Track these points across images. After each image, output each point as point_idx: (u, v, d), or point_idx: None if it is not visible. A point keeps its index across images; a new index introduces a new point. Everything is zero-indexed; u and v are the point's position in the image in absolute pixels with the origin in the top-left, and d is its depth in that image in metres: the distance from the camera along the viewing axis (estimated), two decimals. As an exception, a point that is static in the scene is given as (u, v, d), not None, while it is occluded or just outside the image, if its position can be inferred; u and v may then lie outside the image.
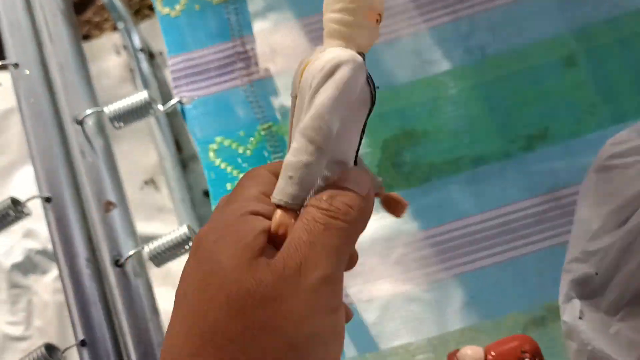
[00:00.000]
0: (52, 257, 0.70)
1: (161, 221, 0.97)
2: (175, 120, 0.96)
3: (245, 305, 0.23)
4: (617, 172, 0.42)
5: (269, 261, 0.24)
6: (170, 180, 0.94)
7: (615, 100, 0.46)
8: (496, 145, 0.46)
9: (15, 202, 0.46)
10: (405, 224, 0.45)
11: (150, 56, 1.01)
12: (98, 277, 0.46)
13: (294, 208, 0.26)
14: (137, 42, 0.98)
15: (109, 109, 0.46)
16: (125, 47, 1.02)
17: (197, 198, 0.93)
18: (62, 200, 0.47)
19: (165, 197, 0.98)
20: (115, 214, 0.46)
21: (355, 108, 0.27)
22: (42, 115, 0.48)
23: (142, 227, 0.85)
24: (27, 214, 0.47)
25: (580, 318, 0.39)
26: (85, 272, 0.46)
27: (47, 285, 0.96)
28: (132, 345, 0.44)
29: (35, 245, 0.99)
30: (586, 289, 0.40)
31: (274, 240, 0.25)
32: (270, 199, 0.26)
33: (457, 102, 0.46)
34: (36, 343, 0.93)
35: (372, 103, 0.27)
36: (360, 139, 0.28)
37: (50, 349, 0.45)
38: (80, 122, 0.47)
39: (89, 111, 0.47)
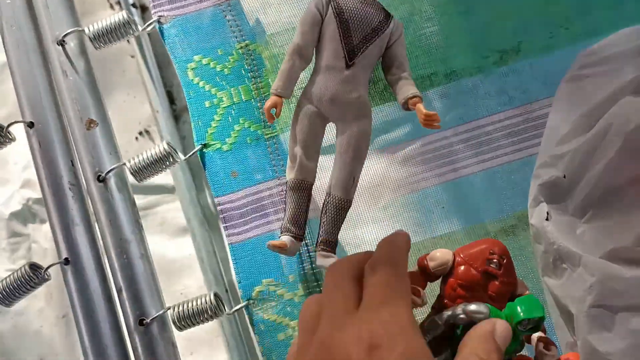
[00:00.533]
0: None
1: (156, 171, 0.98)
2: (167, 72, 0.97)
3: None
4: (588, 81, 0.42)
5: None
6: (164, 132, 0.94)
7: (589, 14, 0.46)
8: (469, 60, 0.46)
9: (-1, 127, 0.47)
10: (391, 166, 0.45)
11: (143, 10, 1.01)
12: (81, 199, 0.47)
13: (279, 95, 0.39)
14: (129, -5, 0.98)
15: (89, 28, 0.47)
16: (118, 2, 1.02)
17: (189, 148, 0.93)
18: (45, 124, 0.48)
19: (159, 148, 0.99)
20: (97, 131, 0.47)
21: (315, 23, 0.39)
22: (24, 40, 0.49)
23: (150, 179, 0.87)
24: (12, 139, 0.48)
25: (547, 219, 0.40)
26: (69, 194, 0.47)
27: (46, 233, 0.97)
28: (115, 256, 0.46)
29: (33, 194, 1.00)
30: (554, 193, 0.41)
31: None
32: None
33: (432, 18, 0.47)
34: (36, 289, 0.95)
35: (337, 16, 0.39)
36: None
37: (34, 267, 0.46)
38: (62, 43, 0.48)
39: (70, 30, 0.47)
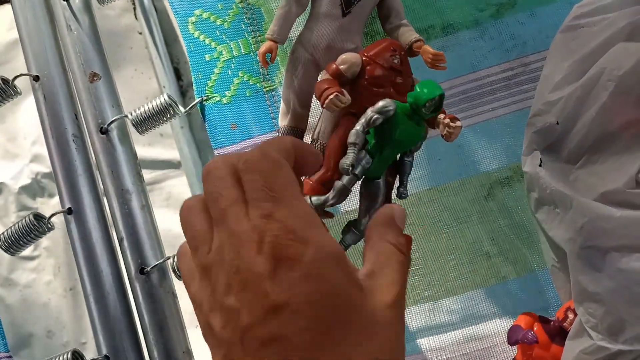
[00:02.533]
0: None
1: (162, 146, 0.99)
2: (173, 49, 0.98)
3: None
4: (582, 31, 0.42)
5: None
6: (171, 107, 0.95)
7: (586, -33, 0.46)
8: (466, 13, 0.46)
9: (4, 81, 0.48)
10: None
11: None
12: (84, 151, 0.48)
13: (274, 40, 0.39)
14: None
15: (93, -17, 0.48)
16: (126, -22, 1.03)
17: (195, 124, 0.95)
18: (50, 77, 0.49)
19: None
20: (100, 84, 0.48)
21: None
22: (31, -4, 0.50)
23: (144, 151, 0.87)
24: (18, 93, 0.49)
25: (540, 166, 0.41)
26: (72, 145, 0.48)
27: (55, 207, 0.98)
28: (116, 206, 0.47)
29: (42, 168, 1.01)
30: (548, 140, 0.41)
31: None
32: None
33: (429, -28, 0.47)
34: (44, 262, 0.97)
35: None
36: None
37: (38, 217, 0.47)
38: (67, -1, 0.49)
39: (73, -15, 0.48)
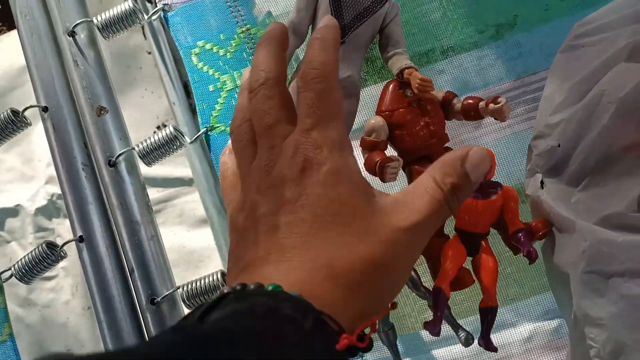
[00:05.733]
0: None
1: (174, 164, 1.00)
2: (183, 66, 0.99)
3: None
4: (583, 51, 0.42)
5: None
6: (181, 124, 0.97)
7: (585, -15, 0.46)
8: (466, 36, 0.47)
9: (14, 113, 0.50)
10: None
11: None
12: (94, 179, 0.49)
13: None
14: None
15: (98, 19, 0.49)
16: (134, -1, 1.05)
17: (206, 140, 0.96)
18: (59, 108, 0.50)
19: (177, 141, 1.02)
20: (108, 118, 0.49)
21: (310, 2, 0.39)
22: (38, 29, 0.51)
23: (156, 170, 0.89)
24: (28, 124, 0.51)
25: (541, 188, 0.41)
26: (82, 174, 0.49)
27: (70, 229, 1.00)
28: (126, 237, 0.47)
29: (57, 190, 1.03)
30: (550, 162, 0.41)
31: None
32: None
33: (428, -5, 0.47)
34: (62, 282, 0.99)
35: None
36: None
37: (50, 245, 0.49)
38: (72, 34, 0.50)
39: (79, 21, 0.49)
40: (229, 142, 0.36)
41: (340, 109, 0.31)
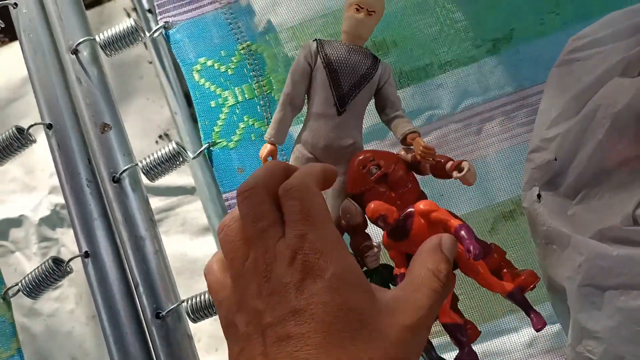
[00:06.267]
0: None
1: (176, 173, 1.00)
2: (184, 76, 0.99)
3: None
4: (578, 65, 0.43)
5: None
6: (183, 134, 0.98)
7: (580, -1, 0.47)
8: (463, 50, 0.47)
9: (19, 130, 0.50)
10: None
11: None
12: (98, 195, 0.50)
13: (273, 143, 0.40)
14: (145, 3, 1.01)
15: (100, 37, 0.50)
16: (135, 9, 1.06)
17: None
18: (63, 125, 0.51)
19: (179, 150, 1.03)
20: (111, 135, 0.50)
21: (304, 74, 0.40)
22: (41, 47, 0.51)
23: (159, 179, 0.90)
24: (33, 141, 0.52)
25: (538, 201, 0.41)
26: (87, 190, 0.50)
27: (74, 238, 1.01)
28: (131, 252, 0.48)
29: (60, 200, 1.04)
30: (546, 176, 0.42)
31: None
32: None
33: (425, 11, 0.48)
34: (66, 291, 0.99)
35: (326, 66, 0.39)
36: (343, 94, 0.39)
37: (56, 261, 0.49)
38: (75, 52, 0.51)
39: (82, 39, 0.50)
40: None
41: (328, 213, 0.31)
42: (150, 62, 1.04)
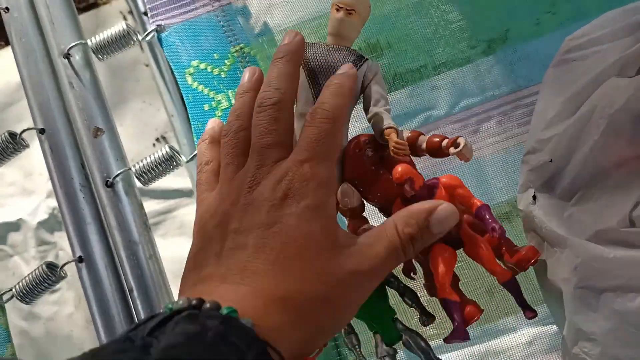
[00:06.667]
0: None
1: (173, 175, 1.00)
2: (181, 78, 0.99)
3: None
4: (574, 65, 0.43)
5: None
6: (180, 136, 0.97)
7: (575, -2, 0.47)
8: (458, 51, 0.47)
9: (12, 135, 0.50)
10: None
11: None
12: (91, 199, 0.50)
13: None
14: (141, 6, 1.01)
15: (92, 41, 0.50)
16: (131, 12, 1.06)
17: (206, 151, 0.96)
18: (55, 130, 0.50)
19: (176, 153, 1.02)
20: (104, 139, 0.50)
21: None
22: (33, 52, 0.51)
23: (156, 182, 0.90)
24: (26, 146, 0.51)
25: (534, 203, 0.41)
26: (80, 195, 0.50)
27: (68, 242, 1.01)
28: (125, 257, 0.48)
29: (58, 203, 1.04)
30: (542, 177, 0.41)
31: None
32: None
33: (419, 12, 0.48)
34: (65, 294, 0.99)
35: (304, 66, 0.38)
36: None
37: (51, 266, 0.49)
38: (67, 56, 0.50)
39: (74, 43, 0.50)
40: (208, 126, 0.37)
41: (337, 153, 0.33)
42: (147, 65, 1.04)
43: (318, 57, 0.39)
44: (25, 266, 0.99)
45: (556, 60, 0.43)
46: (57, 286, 1.02)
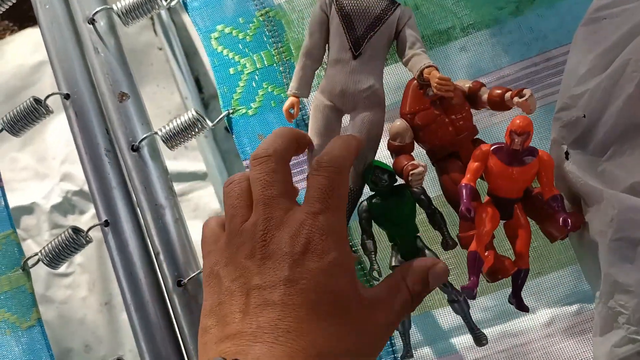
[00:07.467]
0: (89, 197, 0.74)
1: (187, 158, 1.01)
2: (194, 61, 1.00)
3: None
4: (605, 22, 0.42)
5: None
6: (194, 119, 0.97)
7: (604, -42, 0.46)
8: (486, 12, 0.47)
9: (37, 101, 0.50)
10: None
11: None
12: (116, 164, 0.49)
13: (295, 95, 0.40)
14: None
15: (117, 6, 0.49)
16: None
17: (219, 134, 0.96)
18: (80, 95, 0.50)
19: (190, 136, 1.02)
20: (129, 104, 0.49)
21: (322, 23, 0.40)
22: (57, 18, 0.51)
23: (170, 165, 0.90)
24: (51, 111, 0.51)
25: (567, 159, 0.41)
26: (105, 159, 0.49)
27: (86, 223, 1.00)
28: (151, 221, 0.48)
29: (71, 187, 1.04)
30: (575, 133, 0.41)
31: None
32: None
33: (446, -27, 0.47)
34: (79, 278, 0.99)
35: (339, 11, 0.39)
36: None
37: (76, 230, 0.49)
38: (92, 22, 0.50)
39: (98, 8, 0.50)
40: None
41: (346, 199, 0.33)
42: (160, 49, 1.04)
43: (353, 2, 0.39)
44: (39, 250, 0.98)
45: (586, 18, 0.43)
46: (71, 269, 1.02)
